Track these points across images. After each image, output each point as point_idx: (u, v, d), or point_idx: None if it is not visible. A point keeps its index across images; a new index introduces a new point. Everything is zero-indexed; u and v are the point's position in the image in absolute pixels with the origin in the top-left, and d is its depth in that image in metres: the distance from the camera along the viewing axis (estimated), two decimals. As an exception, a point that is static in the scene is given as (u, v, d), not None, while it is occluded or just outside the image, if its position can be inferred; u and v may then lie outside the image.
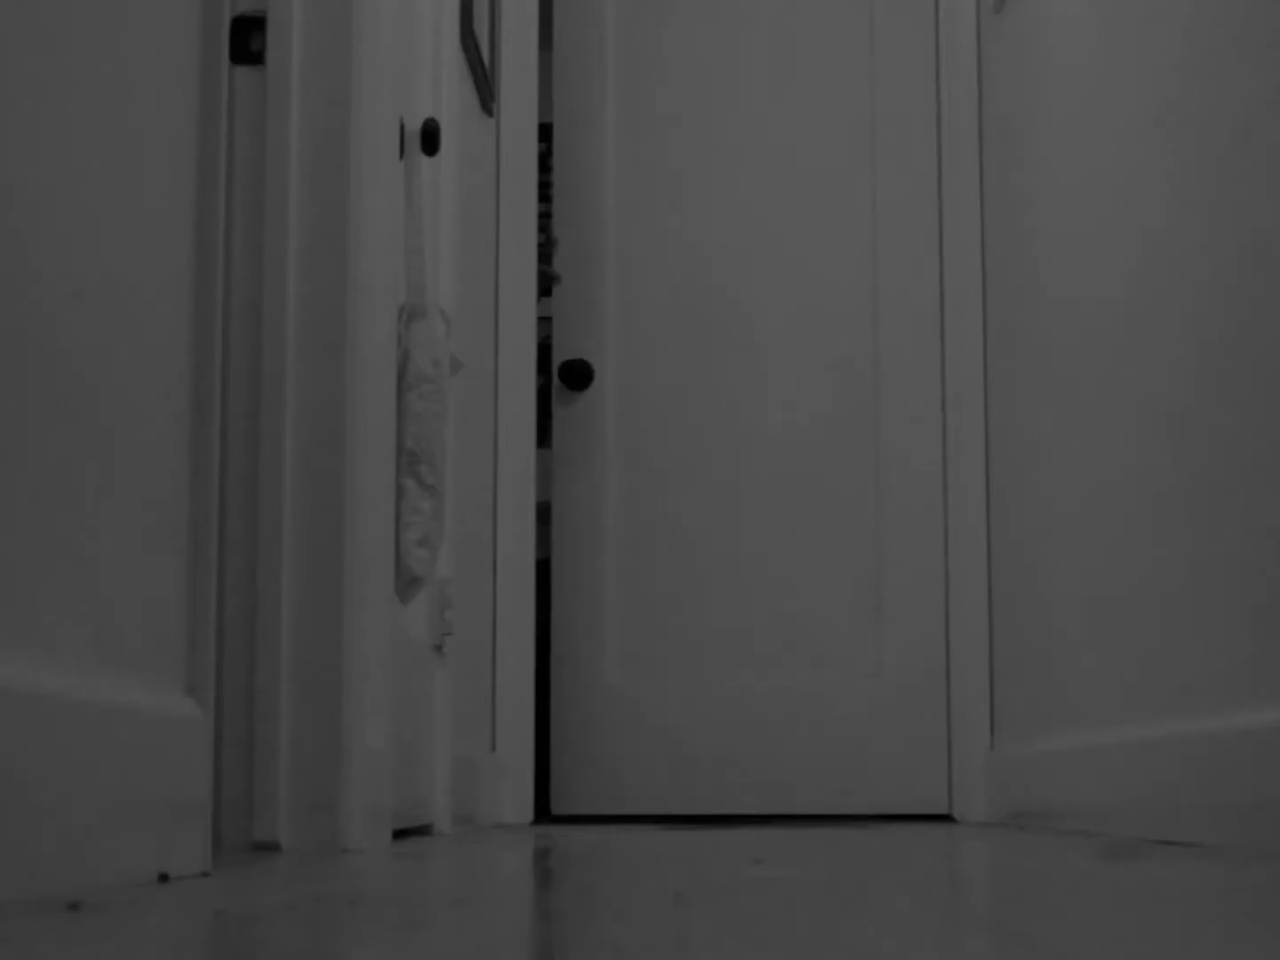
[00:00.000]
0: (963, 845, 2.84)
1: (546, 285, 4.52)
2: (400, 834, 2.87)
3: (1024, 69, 3.94)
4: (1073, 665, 3.40)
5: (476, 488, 4.06)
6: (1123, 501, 3.03)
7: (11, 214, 1.42)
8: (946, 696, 4.33)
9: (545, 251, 4.54)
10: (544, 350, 4.59)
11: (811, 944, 1.15)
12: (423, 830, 3.22)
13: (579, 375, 4.50)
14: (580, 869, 2.07)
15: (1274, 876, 1.79)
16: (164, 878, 1.67)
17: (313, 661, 2.50)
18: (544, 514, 4.55)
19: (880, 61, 4.52)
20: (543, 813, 4.40)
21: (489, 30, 4.21)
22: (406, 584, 2.97)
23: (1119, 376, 3.06)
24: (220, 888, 1.68)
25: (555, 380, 4.53)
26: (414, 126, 3.17)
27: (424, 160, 3.29)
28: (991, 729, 4.23)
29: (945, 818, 4.30)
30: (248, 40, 2.58)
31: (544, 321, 4.54)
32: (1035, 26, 3.82)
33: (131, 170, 1.70)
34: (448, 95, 3.46)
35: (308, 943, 1.18)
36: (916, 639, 4.38)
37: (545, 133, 4.52)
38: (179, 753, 1.79)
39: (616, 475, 4.47)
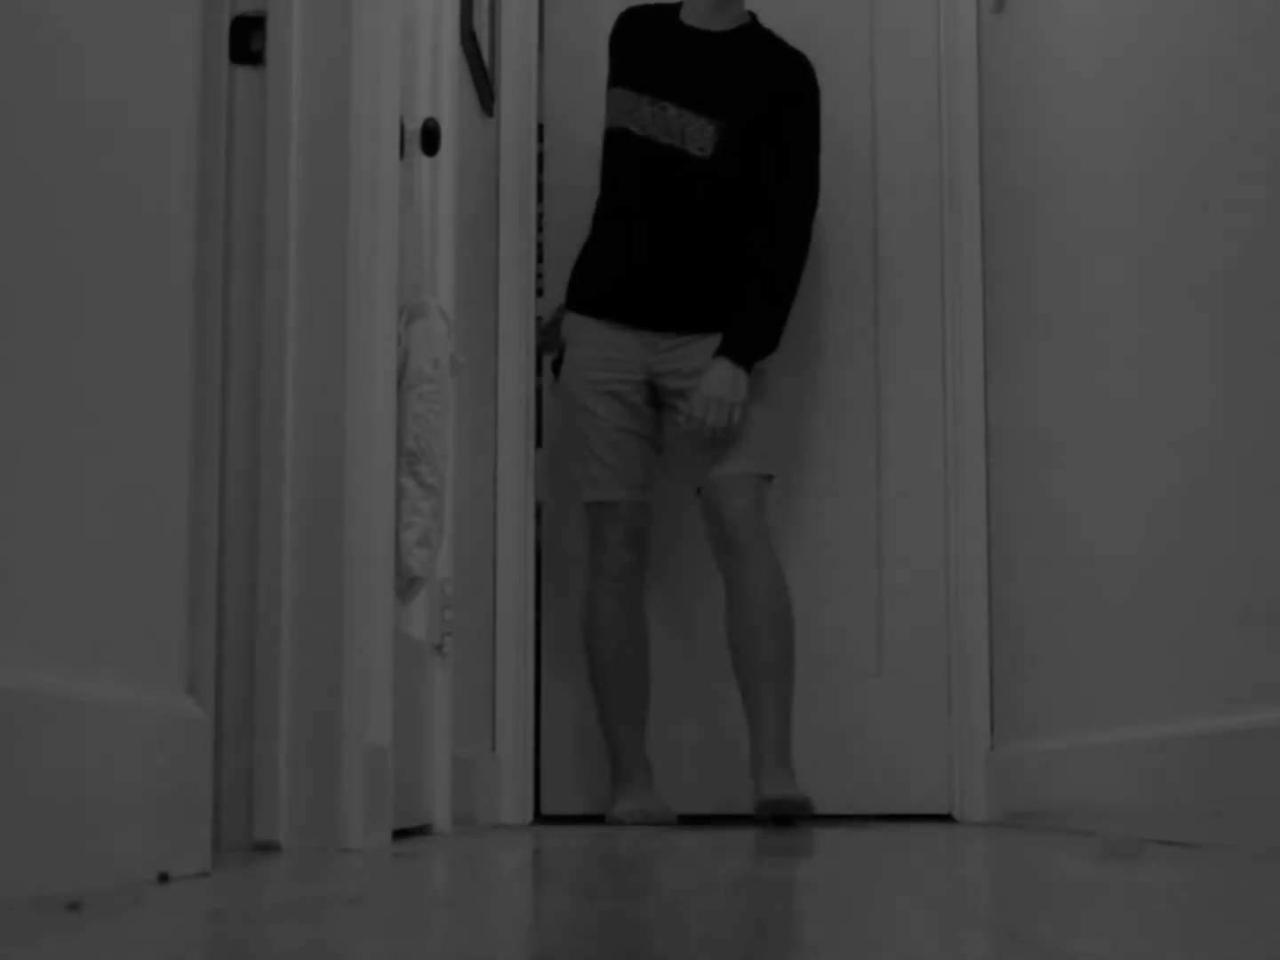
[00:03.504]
0: (963, 845, 2.84)
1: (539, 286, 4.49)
2: (400, 834, 2.87)
3: (1024, 69, 3.94)
4: (1073, 665, 3.40)
5: (476, 487, 4.06)
6: (1123, 502, 3.03)
7: (9, 214, 1.42)
8: (947, 697, 4.32)
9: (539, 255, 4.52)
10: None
11: (811, 944, 1.15)
12: (422, 830, 3.22)
13: None
14: (579, 869, 2.07)
15: (1273, 876, 1.79)
16: (164, 878, 1.67)
17: (313, 661, 2.50)
18: (535, 514, 4.53)
19: (880, 61, 4.51)
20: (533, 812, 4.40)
21: (489, 30, 4.21)
22: (406, 584, 2.97)
23: (1119, 375, 3.06)
24: (220, 888, 1.68)
25: (549, 376, 4.49)
26: (414, 126, 3.16)
27: (424, 160, 3.29)
28: (991, 729, 4.23)
29: (945, 818, 4.30)
30: (248, 40, 2.58)
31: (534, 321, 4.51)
32: (1035, 26, 3.82)
33: (131, 170, 1.70)
34: (448, 95, 3.46)
35: (308, 943, 1.18)
36: (917, 639, 4.38)
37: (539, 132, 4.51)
38: (179, 753, 1.79)
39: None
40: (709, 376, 3.97)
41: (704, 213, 4.02)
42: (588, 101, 4.53)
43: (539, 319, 4.34)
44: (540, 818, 4.35)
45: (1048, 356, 3.66)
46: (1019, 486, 3.97)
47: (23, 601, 1.43)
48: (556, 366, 4.23)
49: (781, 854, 2.41)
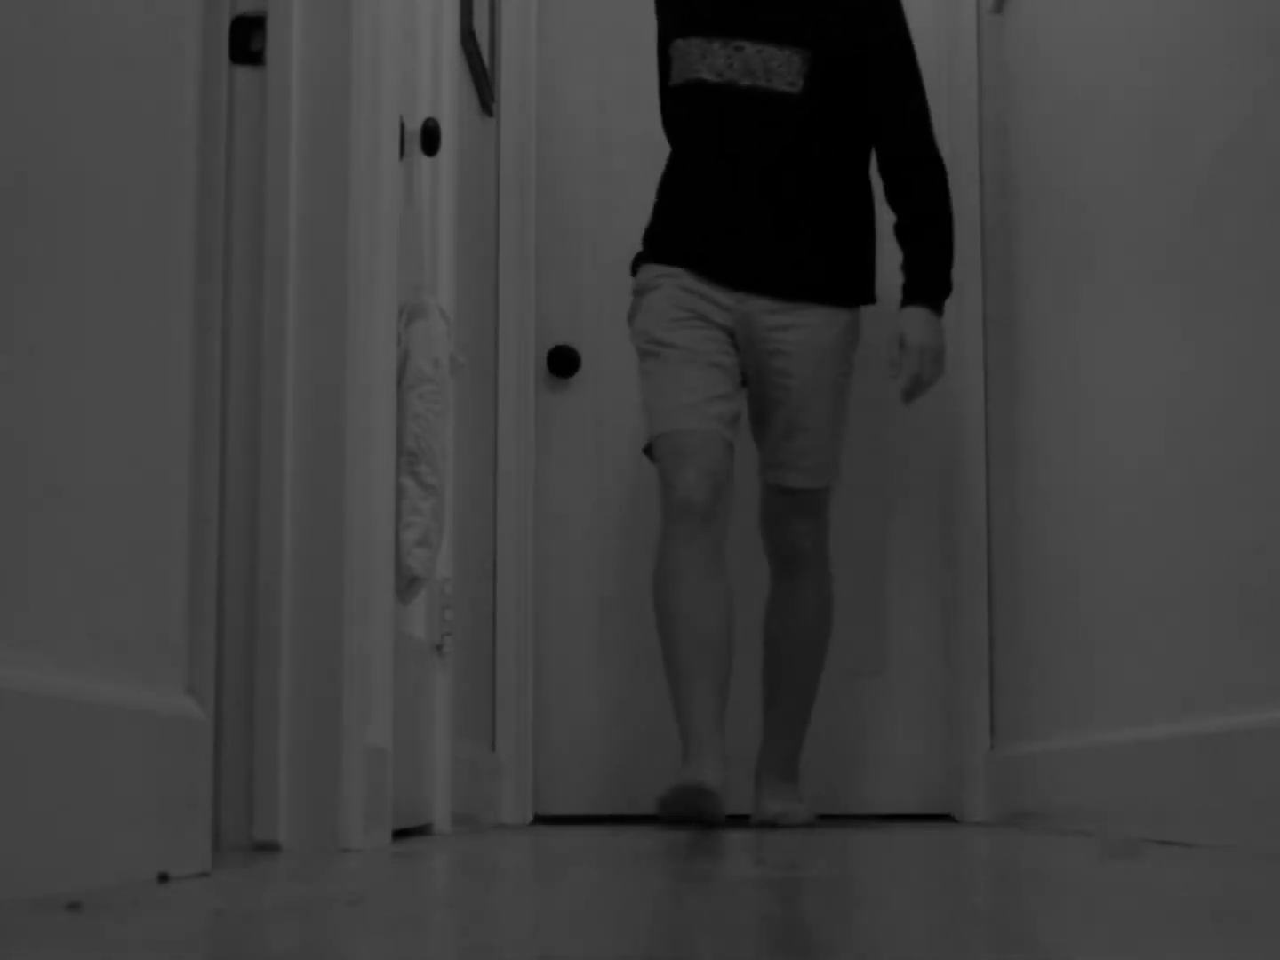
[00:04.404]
0: (963, 845, 2.84)
1: None
2: (400, 834, 2.87)
3: (1024, 69, 3.95)
4: (1072, 665, 3.40)
5: (476, 488, 4.06)
6: (1122, 502, 3.03)
7: (8, 214, 1.42)
8: (947, 697, 4.33)
9: None
10: None
11: (811, 944, 1.15)
12: (422, 830, 3.22)
13: (565, 362, 4.48)
14: (579, 869, 2.07)
15: (1274, 876, 1.79)
16: (164, 878, 1.67)
17: (313, 661, 2.50)
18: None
19: (880, 61, 4.51)
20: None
21: (489, 30, 4.22)
22: (406, 584, 2.97)
23: (1119, 375, 3.06)
24: (220, 888, 1.68)
25: (543, 368, 4.49)
26: (414, 126, 3.17)
27: (424, 160, 3.29)
28: (992, 729, 4.23)
29: (945, 817, 4.30)
30: (248, 40, 2.58)
31: None
32: (1035, 26, 3.82)
33: (130, 170, 1.69)
34: (448, 95, 3.46)
35: (307, 943, 1.18)
36: (917, 640, 4.38)
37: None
38: (179, 753, 1.79)
39: (603, 465, 4.45)
40: (914, 329, 3.70)
41: (800, 157, 3.68)
42: (586, 100, 4.54)
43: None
44: (539, 818, 4.35)
45: (1048, 356, 3.66)
46: (1019, 486, 3.97)
47: (23, 601, 1.43)
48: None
49: (782, 854, 2.41)
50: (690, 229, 3.75)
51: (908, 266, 3.79)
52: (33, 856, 1.40)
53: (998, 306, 4.23)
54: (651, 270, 3.77)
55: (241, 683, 2.47)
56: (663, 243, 3.79)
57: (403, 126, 3.04)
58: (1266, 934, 1.17)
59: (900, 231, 3.80)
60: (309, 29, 2.61)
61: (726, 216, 3.70)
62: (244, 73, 2.58)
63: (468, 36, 3.81)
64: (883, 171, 3.84)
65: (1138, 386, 2.94)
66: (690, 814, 3.34)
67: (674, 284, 3.71)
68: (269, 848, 2.43)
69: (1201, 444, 2.59)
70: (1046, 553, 3.66)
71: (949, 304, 4.38)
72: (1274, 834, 2.16)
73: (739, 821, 3.95)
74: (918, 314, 3.73)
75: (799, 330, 3.73)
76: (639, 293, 3.80)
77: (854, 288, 3.82)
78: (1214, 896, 1.55)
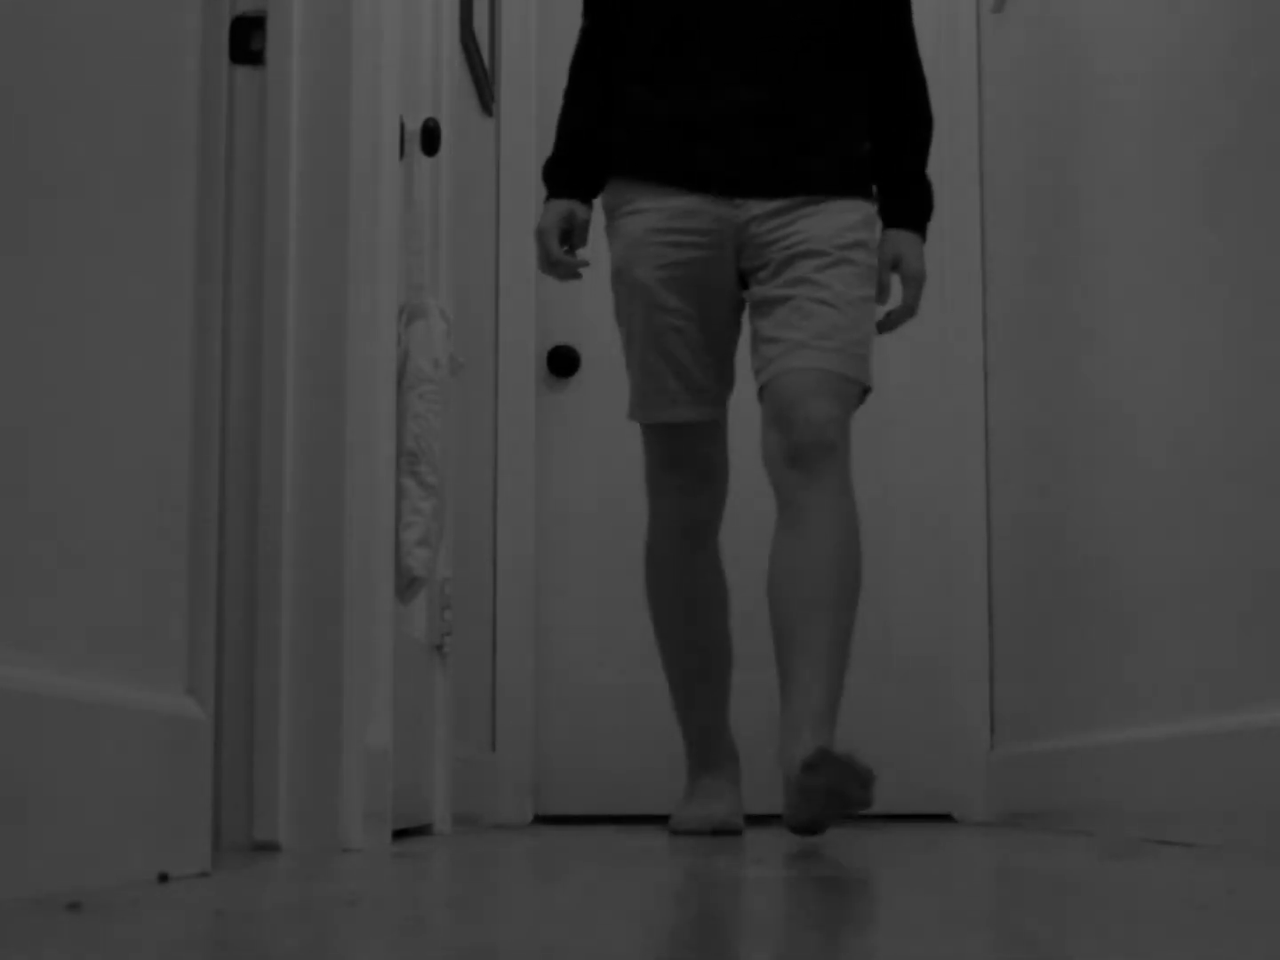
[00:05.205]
0: (963, 845, 2.84)
1: None
2: (400, 834, 2.87)
3: (1024, 69, 3.94)
4: (1072, 665, 3.40)
5: (476, 488, 4.06)
6: (1123, 502, 3.03)
7: (8, 213, 1.42)
8: (947, 697, 4.33)
9: None
10: None
11: (811, 943, 1.15)
12: (423, 830, 3.22)
13: (565, 362, 4.47)
14: (580, 869, 2.07)
15: (1274, 876, 1.79)
16: (164, 878, 1.67)
17: (313, 661, 2.50)
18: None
19: (880, 61, 4.51)
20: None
21: (489, 30, 4.22)
22: (406, 584, 2.97)
23: (1119, 374, 3.06)
24: (220, 888, 1.68)
25: (543, 368, 4.48)
26: (414, 126, 3.17)
27: (424, 160, 3.29)
28: (991, 729, 4.23)
29: (945, 817, 4.30)
30: (248, 40, 2.58)
31: None
32: (1035, 26, 3.82)
33: (130, 170, 1.69)
34: (448, 95, 3.46)
35: (308, 943, 1.18)
36: (917, 639, 4.38)
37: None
38: (179, 753, 1.79)
39: (603, 464, 4.45)
40: (913, 257, 3.23)
41: (800, 45, 3.17)
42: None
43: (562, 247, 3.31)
44: (539, 818, 4.35)
45: (1048, 355, 3.65)
46: (1019, 486, 3.97)
47: (23, 601, 1.43)
48: (567, 238, 3.31)
49: (780, 855, 2.41)
50: (674, 137, 3.19)
51: (894, 180, 3.30)
52: (33, 856, 1.40)
53: (998, 306, 4.22)
54: (627, 190, 3.23)
55: (241, 683, 2.47)
56: (638, 155, 3.23)
57: (403, 126, 3.04)
58: (1266, 934, 1.17)
59: (881, 130, 3.31)
60: (309, 29, 2.61)
61: (726, 120, 3.16)
62: (244, 73, 2.58)
63: (468, 37, 3.81)
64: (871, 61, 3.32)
65: (1136, 385, 2.93)
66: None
67: (659, 205, 3.18)
68: (269, 848, 2.43)
69: (1202, 442, 2.59)
70: (1047, 553, 3.66)
71: (949, 302, 4.39)
72: (1274, 834, 2.16)
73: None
74: (913, 240, 3.26)
75: (814, 218, 3.17)
76: (610, 215, 3.27)
77: (868, 180, 3.29)
78: (1214, 896, 1.55)
